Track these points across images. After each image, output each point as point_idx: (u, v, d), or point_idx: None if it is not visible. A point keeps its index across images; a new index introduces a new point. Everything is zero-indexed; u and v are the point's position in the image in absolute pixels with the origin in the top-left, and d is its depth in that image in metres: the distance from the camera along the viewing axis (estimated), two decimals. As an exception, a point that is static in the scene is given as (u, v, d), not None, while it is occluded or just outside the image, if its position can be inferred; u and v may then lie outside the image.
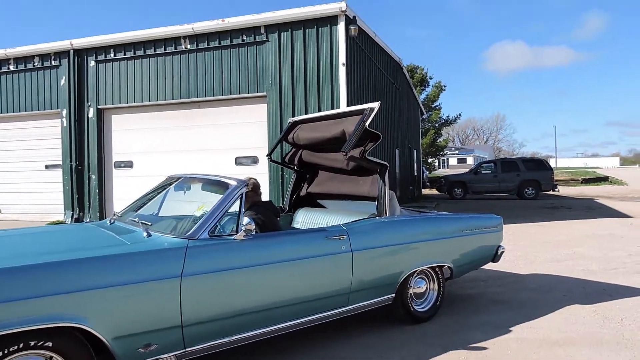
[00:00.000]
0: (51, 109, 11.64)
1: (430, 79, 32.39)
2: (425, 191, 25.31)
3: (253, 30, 9.83)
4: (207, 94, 10.24)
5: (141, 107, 10.98)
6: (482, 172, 19.89)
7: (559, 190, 19.35)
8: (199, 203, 2.98)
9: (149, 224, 2.81)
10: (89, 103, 11.27)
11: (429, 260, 3.71)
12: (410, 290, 3.71)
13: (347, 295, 3.20)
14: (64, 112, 11.43)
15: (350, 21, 9.27)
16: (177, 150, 10.73)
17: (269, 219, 3.34)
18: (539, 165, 19.50)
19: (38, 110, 11.81)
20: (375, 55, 12.38)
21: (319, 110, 9.39)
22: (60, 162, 11.65)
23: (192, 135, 10.59)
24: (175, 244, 2.53)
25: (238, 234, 2.71)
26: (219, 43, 10.10)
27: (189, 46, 10.33)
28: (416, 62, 45.74)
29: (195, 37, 10.28)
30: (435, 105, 32.85)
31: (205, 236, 2.65)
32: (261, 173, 9.90)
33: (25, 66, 11.89)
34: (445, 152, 44.27)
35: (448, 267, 3.88)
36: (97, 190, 11.25)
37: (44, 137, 11.89)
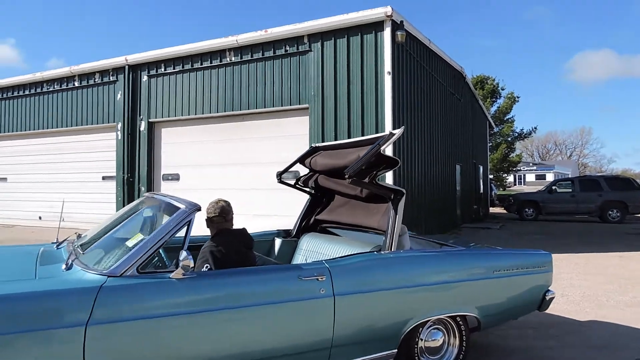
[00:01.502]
0: (109, 122, 12.04)
1: (502, 89, 30.42)
2: (493, 210, 23.53)
3: (296, 40, 9.46)
4: (251, 106, 10.00)
5: (188, 121, 11.00)
6: (558, 190, 17.99)
7: (650, 214, 16.98)
8: (141, 230, 2.51)
9: (82, 252, 2.38)
10: (141, 116, 11.50)
11: (446, 308, 2.95)
12: (421, 344, 2.97)
13: (328, 351, 2.55)
14: (119, 126, 11.76)
15: (397, 26, 8.59)
16: (221, 164, 10.58)
17: (235, 251, 2.78)
18: (626, 184, 17.25)
19: (97, 124, 12.28)
20: (431, 64, 11.53)
21: (362, 123, 8.79)
22: (114, 174, 11.98)
23: (236, 148, 10.39)
24: (88, 283, 2.06)
25: (175, 272, 2.19)
26: (262, 54, 9.84)
27: (233, 58, 10.19)
28: (491, 74, 43.56)
29: (239, 49, 10.12)
30: (507, 117, 30.74)
31: (133, 272, 2.15)
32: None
33: (87, 82, 12.45)
34: (520, 168, 41.39)
35: (474, 316, 3.09)
36: (146, 202, 11.36)
37: (102, 150, 12.32)
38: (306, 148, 9.32)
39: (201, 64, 10.62)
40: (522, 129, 32.87)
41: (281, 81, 9.67)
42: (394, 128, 8.62)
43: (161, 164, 11.48)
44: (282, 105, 9.66)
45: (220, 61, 10.37)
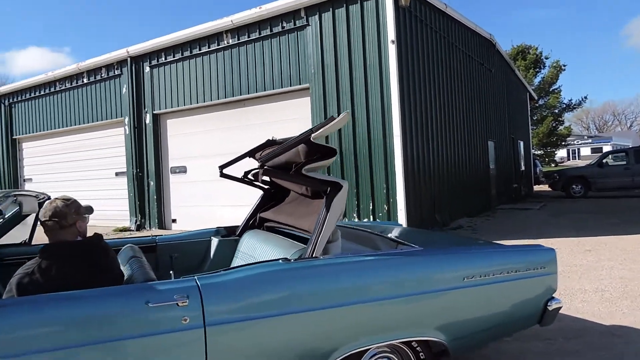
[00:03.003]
0: (117, 117, 11.77)
1: (546, 59, 28.12)
2: (539, 188, 21.83)
3: (292, 14, 8.66)
4: (251, 90, 9.34)
5: (191, 110, 10.50)
6: (610, 163, 16.23)
7: None
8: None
9: None
10: (146, 109, 11.13)
11: (393, 332, 2.16)
12: (361, 380, 2.20)
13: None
14: (127, 120, 11.45)
15: (399, -12, 7.61)
16: (226, 153, 9.98)
17: (71, 274, 2.03)
18: (691, 153, 15.30)
19: (106, 119, 12.04)
20: (450, 32, 10.39)
21: (366, 100, 7.92)
22: (126, 170, 11.73)
23: (240, 136, 9.78)
24: None
25: None
26: (259, 33, 9.12)
27: (230, 41, 9.53)
28: (533, 43, 40.96)
29: (235, 31, 9.44)
30: (553, 88, 28.46)
31: None
32: (307, 176, 8.69)
33: (95, 77, 12.22)
34: (572, 142, 38.56)
35: (438, 341, 2.28)
36: (155, 197, 11.05)
37: (113, 145, 12.08)
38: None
39: (199, 50, 10.05)
40: (570, 100, 30.41)
41: (280, 61, 8.92)
42: (402, 104, 7.70)
43: (168, 156, 11.08)
44: (282, 87, 8.93)
45: (218, 45, 9.75)
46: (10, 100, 14.78)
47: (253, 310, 1.89)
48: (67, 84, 12.95)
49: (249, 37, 9.28)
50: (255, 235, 3.13)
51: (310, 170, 2.39)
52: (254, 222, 3.50)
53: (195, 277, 1.88)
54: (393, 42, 7.59)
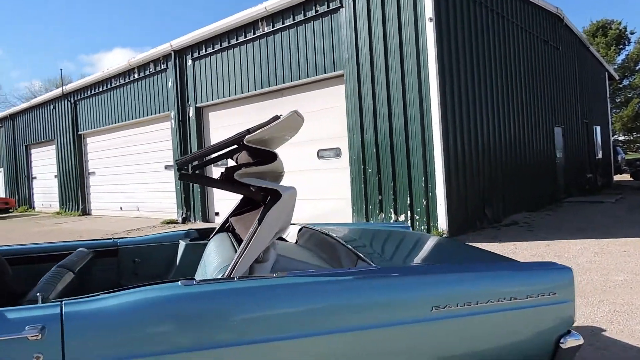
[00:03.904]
0: (164, 111, 11.97)
1: (631, 34, 25.15)
2: (620, 178, 19.64)
3: (326, -4, 8.17)
4: (286, 79, 9.00)
5: (230, 102, 10.38)
6: None
7: None
8: None
9: None
10: (189, 102, 11.19)
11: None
12: None
13: None
14: (172, 114, 11.60)
15: (438, -41, 6.85)
16: (263, 146, 9.77)
17: None
18: None
19: (155, 114, 12.29)
20: (504, 6, 9.36)
21: (403, 85, 7.28)
22: (172, 163, 11.93)
23: (276, 128, 9.49)
24: None
25: None
26: (293, 19, 8.73)
27: (266, 29, 9.23)
28: (615, 18, 37.21)
29: (270, 18, 9.12)
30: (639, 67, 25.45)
31: None
32: (343, 168, 8.26)
33: (144, 73, 12.50)
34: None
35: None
36: (199, 190, 11.12)
37: (162, 139, 12.34)
38: (343, 120, 8.11)
39: (237, 40, 9.86)
40: (661, 79, 27.03)
41: (314, 47, 8.48)
42: (441, 88, 6.98)
43: (211, 150, 11.06)
44: (316, 75, 8.49)
45: (254, 33, 9.49)
46: (75, 98, 15.62)
47: (134, 347, 1.51)
48: (120, 80, 13.40)
49: (283, 23, 8.92)
50: (218, 241, 2.76)
51: (245, 176, 1.96)
52: (228, 226, 3.13)
53: (63, 302, 1.53)
54: (431, 19, 6.87)
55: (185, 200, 11.43)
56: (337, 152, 8.50)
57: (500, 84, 9.00)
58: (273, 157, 1.95)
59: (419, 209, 7.22)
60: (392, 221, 7.52)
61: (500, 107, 8.96)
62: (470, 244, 6.45)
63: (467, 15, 7.92)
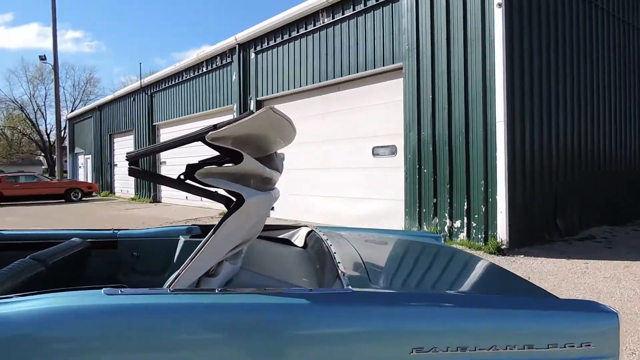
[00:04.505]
0: (227, 104, 12.15)
1: None
2: None
3: (387, -16, 7.71)
4: (344, 72, 8.66)
5: (289, 96, 10.25)
6: None
7: None
8: None
9: None
10: (250, 96, 11.23)
11: None
12: None
13: None
14: (235, 107, 11.73)
15: (511, -62, 6.13)
16: (317, 141, 9.54)
17: None
18: None
19: (220, 107, 12.52)
20: (594, -9, 8.27)
21: (465, 79, 6.67)
22: (233, 155, 12.07)
23: (332, 123, 9.21)
24: None
25: None
26: (354, 9, 8.36)
27: (326, 20, 8.95)
28: None
29: (331, 9, 8.82)
30: None
31: None
32: (398, 167, 7.78)
33: (211, 66, 12.78)
34: None
35: None
36: (256, 183, 11.12)
37: (225, 132, 12.53)
38: (400, 117, 7.63)
39: (297, 32, 9.68)
40: None
41: (373, 38, 8.06)
42: (508, 82, 6.27)
43: (269, 143, 11.03)
44: (374, 67, 8.07)
45: (314, 25, 9.25)
46: (152, 90, 16.44)
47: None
48: (190, 74, 13.83)
49: (343, 14, 8.58)
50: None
51: (209, 176, 1.67)
52: None
53: None
54: (499, 5, 6.17)
55: (243, 193, 11.49)
56: (393, 150, 8.02)
57: (583, 78, 7.98)
58: (238, 157, 1.64)
59: (476, 216, 6.57)
60: (446, 227, 6.93)
61: (581, 105, 7.95)
62: (525, 259, 5.75)
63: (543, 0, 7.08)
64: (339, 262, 1.81)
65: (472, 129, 6.59)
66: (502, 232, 6.29)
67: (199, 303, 1.40)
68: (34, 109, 47.01)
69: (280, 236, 2.86)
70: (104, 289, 1.41)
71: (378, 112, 8.22)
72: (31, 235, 2.77)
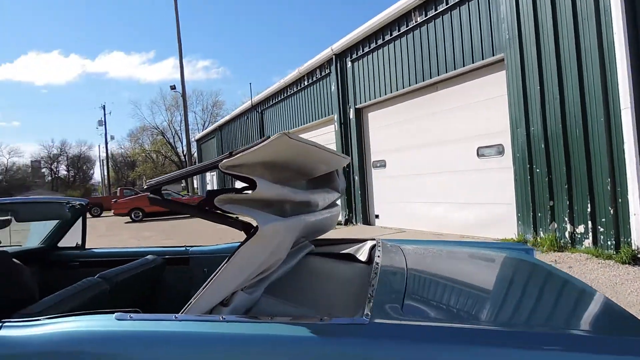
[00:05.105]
0: (328, 115, 12.31)
1: None
2: None
3: (481, -29, 7.13)
4: (440, 71, 8.20)
5: (386, 101, 10.02)
6: None
7: None
8: None
9: None
10: (349, 104, 11.22)
11: None
12: None
13: None
14: (335, 117, 11.83)
15: None
16: (418, 145, 9.14)
17: None
18: None
19: (321, 118, 12.73)
20: None
21: (579, 71, 5.89)
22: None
23: (431, 125, 8.76)
24: None
25: None
26: (447, 3, 7.88)
27: (419, 19, 8.58)
28: None
29: (423, 6, 8.44)
30: None
31: None
32: (506, 167, 7.11)
33: (312, 79, 13.09)
34: None
35: None
36: (360, 192, 11.06)
37: (327, 143, 12.70)
38: (504, 112, 6.95)
39: (391, 35, 9.43)
40: None
41: (470, 32, 7.50)
42: (633, 61, 5.33)
43: (370, 150, 10.90)
44: (473, 62, 7.49)
45: (407, 26, 8.92)
46: (262, 108, 17.40)
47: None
48: (294, 88, 14.33)
49: (436, 10, 8.14)
50: None
51: (228, 203, 1.60)
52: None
53: (3, 323, 1.43)
54: (616, -27, 5.29)
55: (348, 202, 11.50)
56: (499, 150, 7.33)
57: None
58: (252, 184, 1.54)
59: (603, 219, 5.65)
60: (566, 233, 6.09)
61: None
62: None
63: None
64: (373, 284, 1.61)
65: (590, 119, 5.72)
66: (638, 237, 5.32)
67: (201, 332, 1.33)
68: (172, 134, 53.07)
69: (345, 251, 2.70)
70: (116, 313, 1.41)
71: (480, 109, 7.60)
72: (114, 253, 3.00)
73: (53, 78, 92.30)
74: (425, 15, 8.40)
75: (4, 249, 2.85)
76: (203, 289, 1.47)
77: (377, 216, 10.81)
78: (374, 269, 1.84)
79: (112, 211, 20.63)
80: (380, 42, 9.79)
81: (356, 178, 11.15)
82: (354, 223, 11.31)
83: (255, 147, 1.49)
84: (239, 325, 1.34)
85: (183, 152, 53.82)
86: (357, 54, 10.71)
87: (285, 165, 1.91)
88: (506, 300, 1.73)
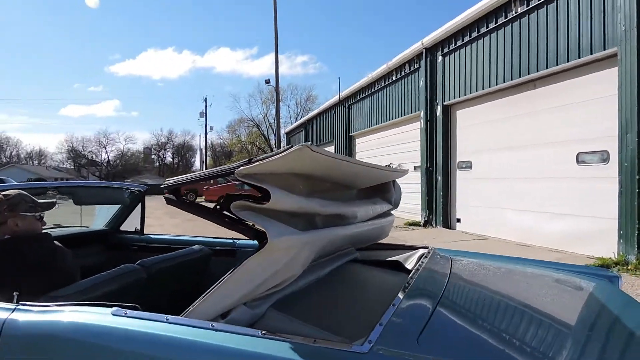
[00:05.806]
0: (415, 111, 11.84)
1: None
2: None
3: (595, -47, 6.29)
4: (540, 67, 7.44)
5: (477, 99, 9.36)
6: None
7: None
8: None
9: None
10: (437, 101, 10.68)
11: None
12: None
13: None
14: (422, 114, 11.35)
15: None
16: (510, 148, 8.42)
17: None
18: None
19: (408, 114, 12.29)
20: None
21: None
22: (419, 164, 11.69)
23: (525, 126, 8.01)
24: None
25: None
26: (552, -8, 7.10)
27: (519, 9, 7.85)
28: None
29: (525, -5, 7.69)
30: None
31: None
32: (609, 177, 6.28)
33: (400, 74, 12.67)
34: None
35: None
36: (442, 193, 10.51)
37: (412, 140, 12.25)
38: (612, 115, 6.12)
39: (487, 27, 8.76)
40: None
41: (578, 23, 6.68)
42: None
43: (456, 150, 10.29)
44: (579, 57, 6.67)
45: (505, 17, 8.21)
46: (349, 103, 17.28)
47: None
48: (382, 83, 14.00)
49: None
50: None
51: (244, 209, 1.46)
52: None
53: (16, 307, 1.43)
54: None
55: (429, 203, 11.00)
56: (603, 157, 6.47)
57: None
58: (266, 196, 1.39)
59: None
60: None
61: None
62: None
63: None
64: (394, 303, 1.38)
65: None
66: None
67: (187, 339, 1.21)
68: (266, 126, 55.14)
69: (393, 258, 2.47)
70: (113, 308, 1.35)
71: (582, 110, 6.76)
72: (169, 240, 3.04)
73: (168, 72, 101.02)
74: (527, 6, 7.65)
75: (62, 230, 3.04)
76: (202, 298, 1.36)
77: (458, 220, 10.19)
78: (405, 284, 1.60)
79: (204, 197, 21.87)
80: (474, 34, 9.14)
81: (439, 178, 10.60)
82: (434, 225, 10.78)
83: (274, 157, 1.34)
84: (227, 336, 1.21)
85: (275, 143, 55.73)
86: (448, 48, 10.13)
87: (324, 177, 1.76)
88: (564, 346, 1.36)
